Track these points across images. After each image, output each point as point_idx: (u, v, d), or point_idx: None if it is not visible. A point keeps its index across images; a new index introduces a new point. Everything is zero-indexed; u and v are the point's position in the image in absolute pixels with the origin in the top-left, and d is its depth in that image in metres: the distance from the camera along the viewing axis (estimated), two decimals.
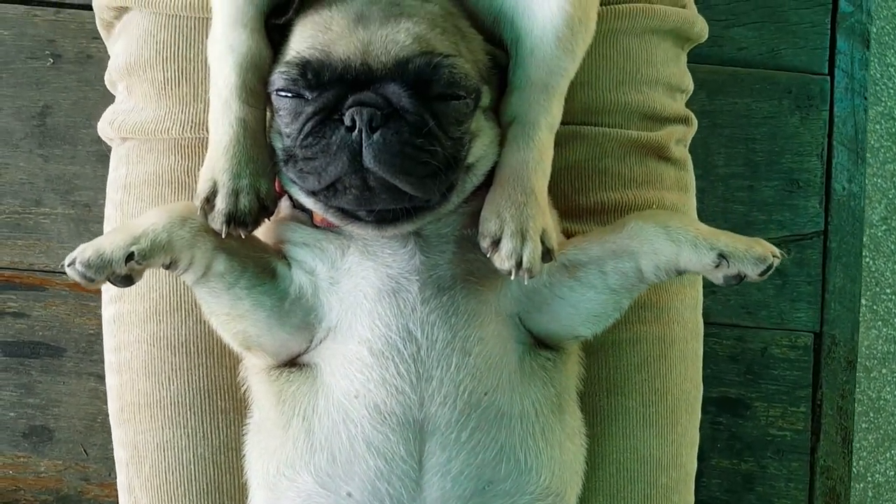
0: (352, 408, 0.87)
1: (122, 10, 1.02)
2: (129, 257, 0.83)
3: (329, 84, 0.82)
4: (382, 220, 0.85)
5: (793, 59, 1.33)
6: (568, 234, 0.99)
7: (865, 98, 1.33)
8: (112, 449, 1.25)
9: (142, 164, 1.00)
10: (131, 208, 1.00)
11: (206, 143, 0.97)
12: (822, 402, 1.31)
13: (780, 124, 1.33)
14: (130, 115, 1.00)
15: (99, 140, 1.27)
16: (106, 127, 1.04)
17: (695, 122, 1.08)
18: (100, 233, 1.26)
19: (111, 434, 1.07)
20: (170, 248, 0.85)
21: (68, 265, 0.83)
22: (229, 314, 0.90)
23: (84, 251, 0.83)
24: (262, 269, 0.89)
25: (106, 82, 1.08)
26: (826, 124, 1.33)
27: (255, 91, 0.87)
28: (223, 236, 0.86)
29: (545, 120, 0.89)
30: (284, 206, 0.93)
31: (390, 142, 0.80)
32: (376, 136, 0.80)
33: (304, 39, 0.84)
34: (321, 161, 0.82)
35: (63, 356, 1.25)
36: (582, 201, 1.01)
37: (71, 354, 1.25)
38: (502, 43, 0.89)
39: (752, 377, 1.31)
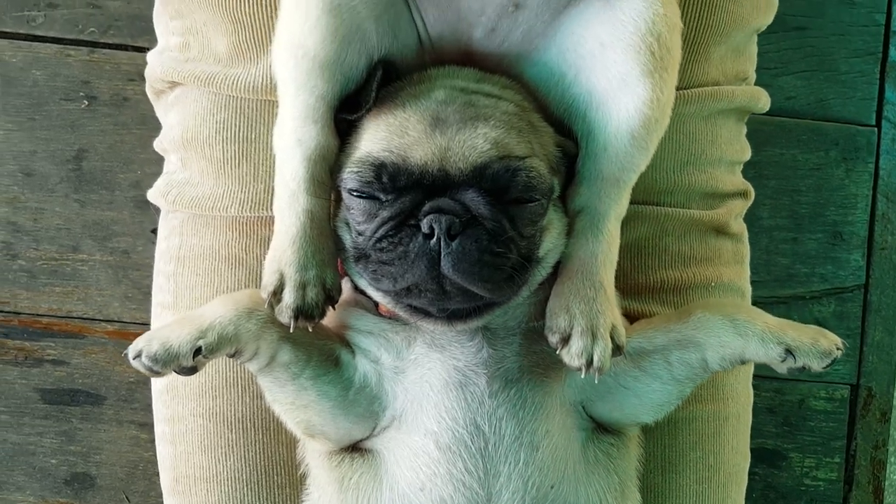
0: (417, 501, 0.87)
1: (177, 83, 0.99)
2: (197, 351, 0.82)
3: (405, 189, 0.80)
4: (453, 316, 0.84)
5: (840, 110, 1.32)
6: (628, 314, 0.98)
7: None
8: (154, 496, 1.25)
9: (197, 238, 0.98)
10: (186, 281, 0.98)
11: (265, 221, 0.96)
12: (855, 453, 1.33)
13: (825, 176, 1.32)
14: (186, 188, 0.98)
15: (137, 185, 1.25)
16: (159, 197, 1.01)
17: (752, 193, 1.07)
18: (137, 280, 1.26)
19: (152, 482, 1.06)
20: (236, 340, 0.84)
21: (133, 357, 0.82)
22: (293, 403, 0.89)
23: (150, 344, 0.82)
24: (326, 358, 0.88)
25: (156, 148, 1.05)
26: (871, 177, 1.32)
27: (323, 182, 0.85)
28: (290, 330, 0.85)
29: (614, 212, 0.88)
30: (346, 287, 0.91)
31: (469, 250, 0.79)
32: (455, 244, 0.79)
33: (378, 140, 0.82)
34: (398, 267, 0.80)
35: (103, 404, 1.24)
36: (642, 279, 1.01)
37: (111, 402, 1.24)
38: (572, 133, 0.88)
39: (788, 429, 1.32)
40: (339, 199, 0.87)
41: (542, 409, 0.88)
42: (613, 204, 0.87)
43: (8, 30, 1.23)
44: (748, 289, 1.07)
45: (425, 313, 0.84)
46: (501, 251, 0.80)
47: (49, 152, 1.23)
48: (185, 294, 0.98)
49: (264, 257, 0.90)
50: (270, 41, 0.87)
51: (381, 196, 0.81)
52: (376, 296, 0.86)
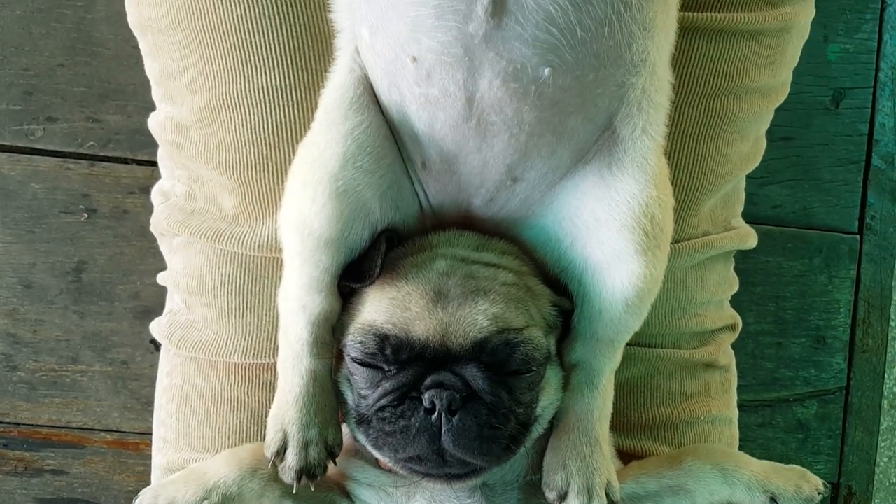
0: None
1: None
2: None
3: (408, 362, 0.83)
4: (452, 476, 0.87)
5: (825, 217, 1.35)
6: (621, 451, 1.01)
7: (894, 257, 1.36)
8: None
9: (199, 378, 1.00)
10: (188, 420, 1.00)
11: (268, 366, 0.98)
12: None
13: (809, 282, 1.35)
14: (190, 331, 1.00)
15: (136, 296, 1.27)
16: (162, 336, 1.03)
17: (739, 324, 1.11)
18: (136, 390, 1.27)
19: None
20: (240, 500, 0.87)
21: None
22: None
23: (156, 501, 0.84)
24: None
25: (158, 280, 1.07)
26: (853, 283, 1.36)
27: (326, 343, 0.88)
28: (293, 491, 0.87)
29: (609, 367, 0.91)
30: (346, 434, 0.94)
31: (469, 426, 0.82)
32: (455, 419, 0.81)
33: (381, 312, 0.84)
34: (399, 439, 0.83)
35: None
36: (635, 417, 1.04)
37: None
38: (568, 290, 0.90)
39: None
40: (340, 357, 0.90)
41: None
42: (608, 361, 0.90)
43: (7, 143, 1.24)
44: (735, 415, 1.11)
45: (424, 473, 0.87)
46: (500, 425, 0.82)
47: (49, 264, 1.25)
48: (186, 433, 1.00)
49: (267, 400, 0.92)
50: (277, 204, 0.90)
51: (384, 367, 0.83)
52: (376, 454, 0.88)
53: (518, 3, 0.76)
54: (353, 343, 0.85)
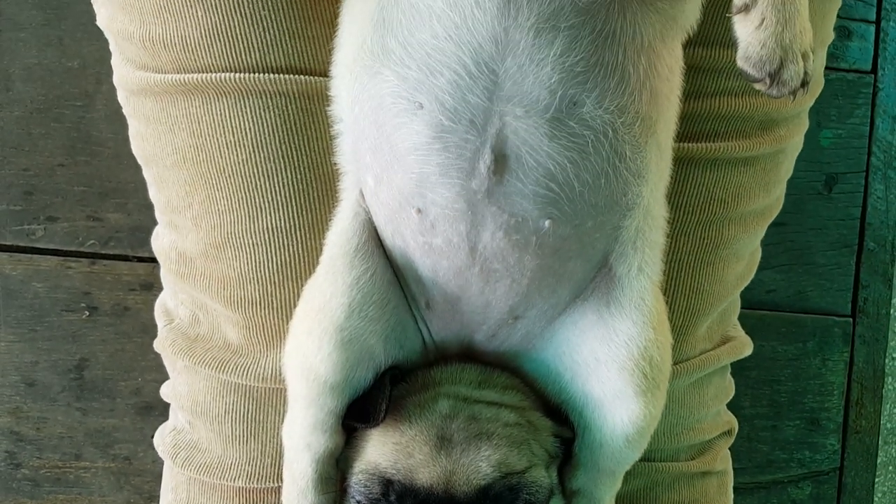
0: None
1: None
2: None
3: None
4: None
5: (818, 301, 1.37)
6: None
7: (886, 339, 1.38)
8: None
9: (204, 498, 1.01)
10: None
11: (272, 490, 0.99)
12: None
13: (803, 366, 1.37)
14: (195, 453, 1.01)
15: (138, 392, 1.28)
16: (166, 450, 1.04)
17: (736, 426, 1.12)
18: (139, 486, 1.28)
19: None
20: None
21: None
22: None
23: None
24: None
25: (161, 394, 1.08)
26: (847, 365, 1.38)
27: (331, 478, 0.89)
28: None
29: (610, 495, 0.92)
30: None
31: None
32: None
33: (385, 455, 0.85)
34: None
35: None
36: None
37: None
38: (569, 419, 0.92)
39: None
40: (344, 490, 0.91)
41: None
42: (609, 489, 0.92)
43: (8, 243, 1.25)
44: None
45: None
46: None
47: (51, 362, 1.26)
48: None
49: None
50: (281, 338, 0.91)
51: None
52: None
53: (518, 161, 0.77)
54: (358, 486, 0.86)
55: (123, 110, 0.98)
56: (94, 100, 1.24)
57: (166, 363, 1.08)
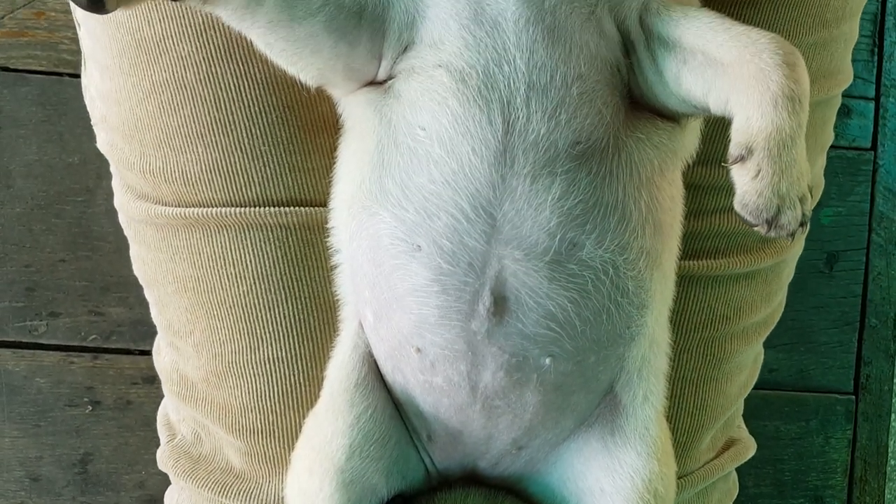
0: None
1: None
2: None
3: None
4: None
5: (820, 379, 1.37)
6: None
7: (889, 416, 1.38)
8: None
9: None
10: None
11: None
12: None
13: (806, 444, 1.37)
14: None
15: (142, 485, 1.28)
16: None
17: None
18: None
19: None
20: None
21: None
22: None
23: None
24: None
25: (166, 499, 1.08)
26: (850, 443, 1.38)
27: None
28: None
29: None
30: None
31: None
32: None
33: None
34: None
35: None
36: None
37: None
38: None
39: None
40: None
41: (576, 38, 0.76)
42: None
43: (11, 339, 1.25)
44: None
45: None
46: None
47: (55, 457, 1.26)
48: None
49: None
50: (284, 465, 0.91)
51: None
52: None
53: (518, 303, 0.77)
54: None
55: (124, 231, 0.98)
56: (94, 195, 1.25)
57: (169, 475, 1.08)
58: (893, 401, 1.39)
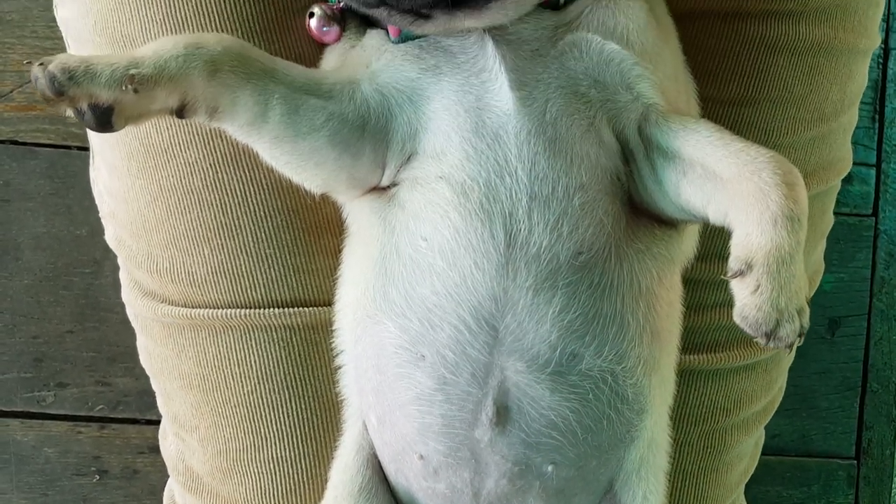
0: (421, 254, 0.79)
1: None
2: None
3: None
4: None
5: (822, 445, 1.38)
6: None
7: (891, 479, 1.39)
8: None
9: None
10: None
11: None
12: None
13: None
14: None
15: None
16: None
17: None
18: None
19: None
20: (184, 78, 0.71)
21: (38, 64, 0.68)
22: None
23: (69, 57, 0.69)
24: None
25: None
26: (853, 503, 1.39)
27: None
28: None
29: None
30: None
31: None
32: None
33: None
34: None
35: None
36: None
37: None
38: None
39: None
40: None
41: (576, 149, 0.76)
42: None
43: (19, 409, 1.27)
44: None
45: (389, 5, 0.73)
46: None
47: None
48: None
49: None
50: None
51: None
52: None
53: (521, 412, 0.78)
54: None
55: (131, 322, 0.99)
56: (101, 266, 1.26)
57: None
58: (895, 465, 1.40)
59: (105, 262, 1.26)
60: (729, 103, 0.93)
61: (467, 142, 0.77)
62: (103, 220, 0.99)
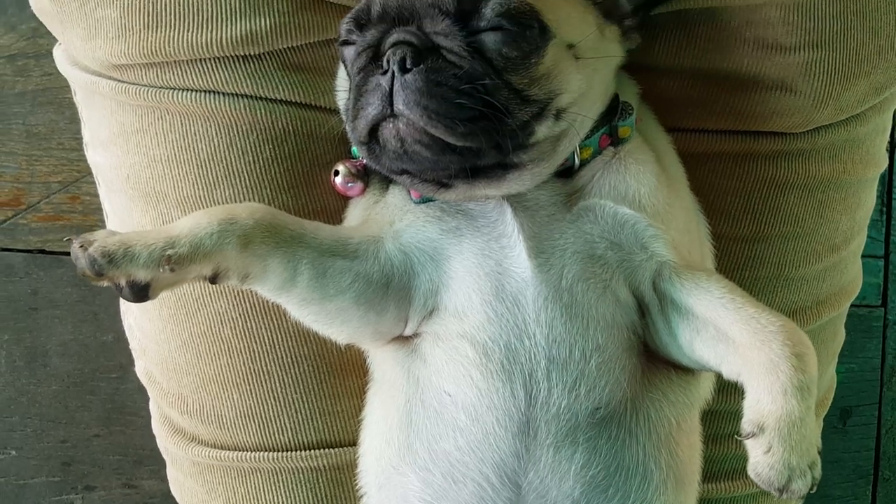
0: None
1: None
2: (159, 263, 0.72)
3: (376, 21, 0.76)
4: (426, 161, 0.75)
5: None
6: None
7: None
8: None
9: None
10: None
11: None
12: None
13: None
14: None
15: None
16: None
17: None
18: None
19: None
20: (218, 252, 0.74)
21: (79, 246, 0.71)
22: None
23: (107, 238, 0.72)
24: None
25: None
26: None
27: None
28: None
29: None
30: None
31: (420, 82, 0.72)
32: (408, 76, 0.72)
33: None
34: (361, 103, 0.75)
35: None
36: None
37: None
38: None
39: None
40: None
41: (593, 312, 0.79)
42: None
43: None
44: None
45: (392, 154, 0.75)
46: (464, 85, 0.72)
47: None
48: None
49: None
50: None
51: (356, 37, 0.78)
52: (351, 136, 0.79)
53: None
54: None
55: (161, 453, 1.02)
56: (127, 371, 1.28)
57: None
58: None
59: (130, 367, 1.27)
60: (742, 240, 0.96)
61: (488, 305, 0.80)
62: (133, 353, 1.02)
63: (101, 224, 1.29)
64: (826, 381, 1.07)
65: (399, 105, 0.72)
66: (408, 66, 0.72)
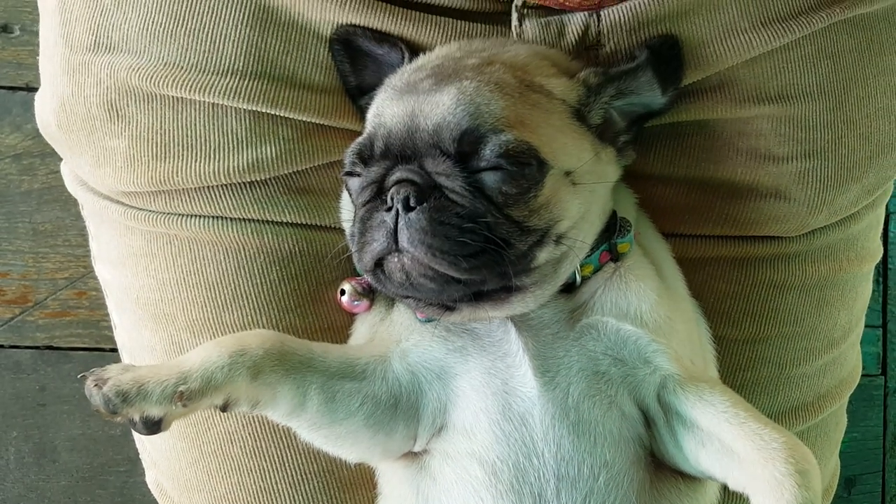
0: None
1: None
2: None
3: (379, 157, 0.79)
4: (430, 292, 0.77)
5: None
6: None
7: None
8: None
9: None
10: None
11: None
12: None
13: None
14: None
15: None
16: None
17: None
18: None
19: None
20: (229, 383, 0.76)
21: (94, 384, 0.72)
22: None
23: (121, 376, 0.73)
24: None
25: None
26: None
27: None
28: None
29: None
30: None
31: (424, 221, 0.74)
32: (412, 215, 0.75)
33: None
34: (367, 238, 0.77)
35: None
36: None
37: None
38: None
39: None
40: None
41: (599, 428, 0.80)
42: None
43: None
44: None
45: (398, 286, 0.78)
46: (466, 223, 0.74)
47: None
48: None
49: None
50: None
51: (360, 170, 0.80)
52: (359, 267, 0.81)
53: None
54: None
55: None
56: (136, 465, 1.28)
57: None
58: None
59: (139, 460, 1.29)
60: (742, 342, 0.97)
61: (496, 424, 0.81)
62: (143, 462, 1.03)
63: (106, 319, 1.31)
64: (830, 469, 1.08)
65: (403, 242, 0.75)
66: (411, 205, 0.75)
